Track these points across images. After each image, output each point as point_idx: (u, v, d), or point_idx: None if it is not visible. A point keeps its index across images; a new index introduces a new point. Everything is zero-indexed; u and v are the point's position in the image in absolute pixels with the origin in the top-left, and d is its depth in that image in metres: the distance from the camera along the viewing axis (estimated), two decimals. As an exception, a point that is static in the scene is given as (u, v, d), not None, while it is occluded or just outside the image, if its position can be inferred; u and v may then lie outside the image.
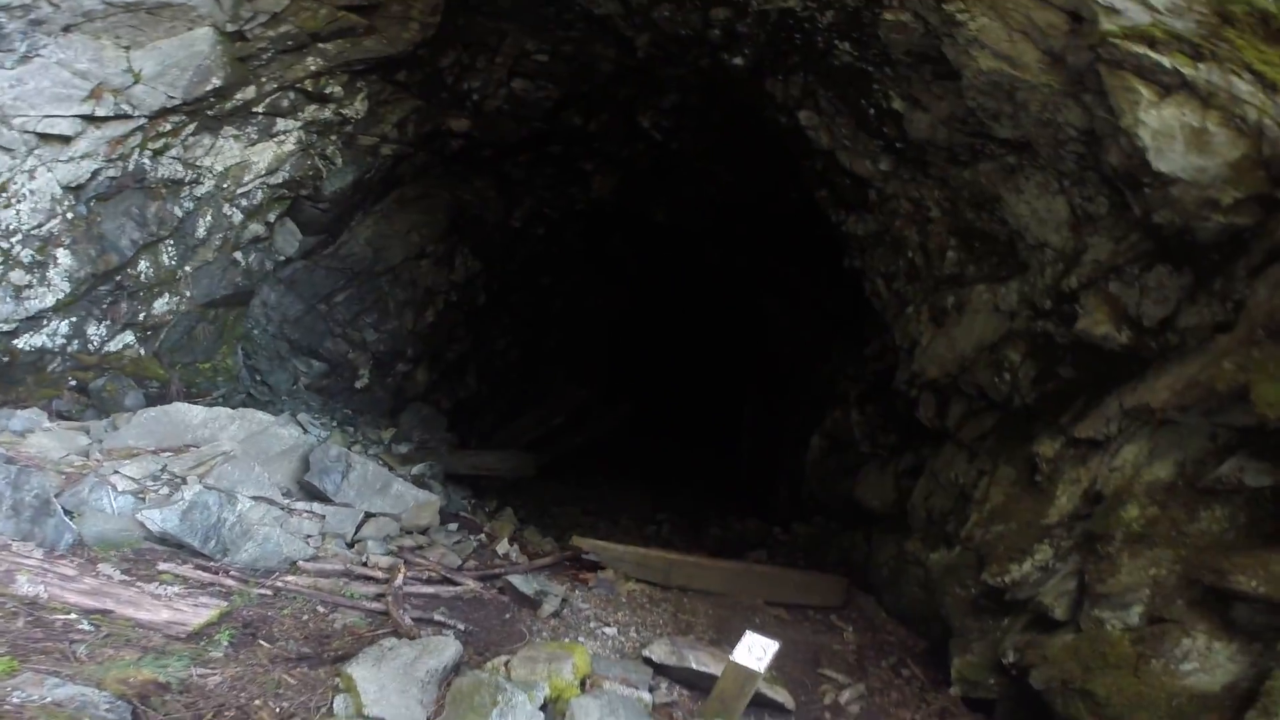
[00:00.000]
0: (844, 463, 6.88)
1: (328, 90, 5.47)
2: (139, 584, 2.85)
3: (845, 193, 5.62)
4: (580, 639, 3.49)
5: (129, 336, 5.04)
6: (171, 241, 5.14)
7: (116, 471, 3.33)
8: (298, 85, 5.27)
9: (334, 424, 5.95)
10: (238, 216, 5.44)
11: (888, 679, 3.86)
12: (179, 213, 5.05)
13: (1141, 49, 2.79)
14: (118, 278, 4.88)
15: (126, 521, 3.18)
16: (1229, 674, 2.55)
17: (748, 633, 2.73)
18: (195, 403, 5.28)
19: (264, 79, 5.09)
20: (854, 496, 5.91)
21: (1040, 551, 3.24)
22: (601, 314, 12.51)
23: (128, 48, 4.55)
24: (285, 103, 5.31)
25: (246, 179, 5.35)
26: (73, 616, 2.59)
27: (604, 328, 12.75)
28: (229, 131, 5.14)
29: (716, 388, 13.44)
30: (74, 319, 4.67)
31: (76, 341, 4.74)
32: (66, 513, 3.05)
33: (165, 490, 3.32)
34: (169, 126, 4.78)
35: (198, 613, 2.73)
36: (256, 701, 2.41)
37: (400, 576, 3.43)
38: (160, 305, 5.18)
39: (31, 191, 4.27)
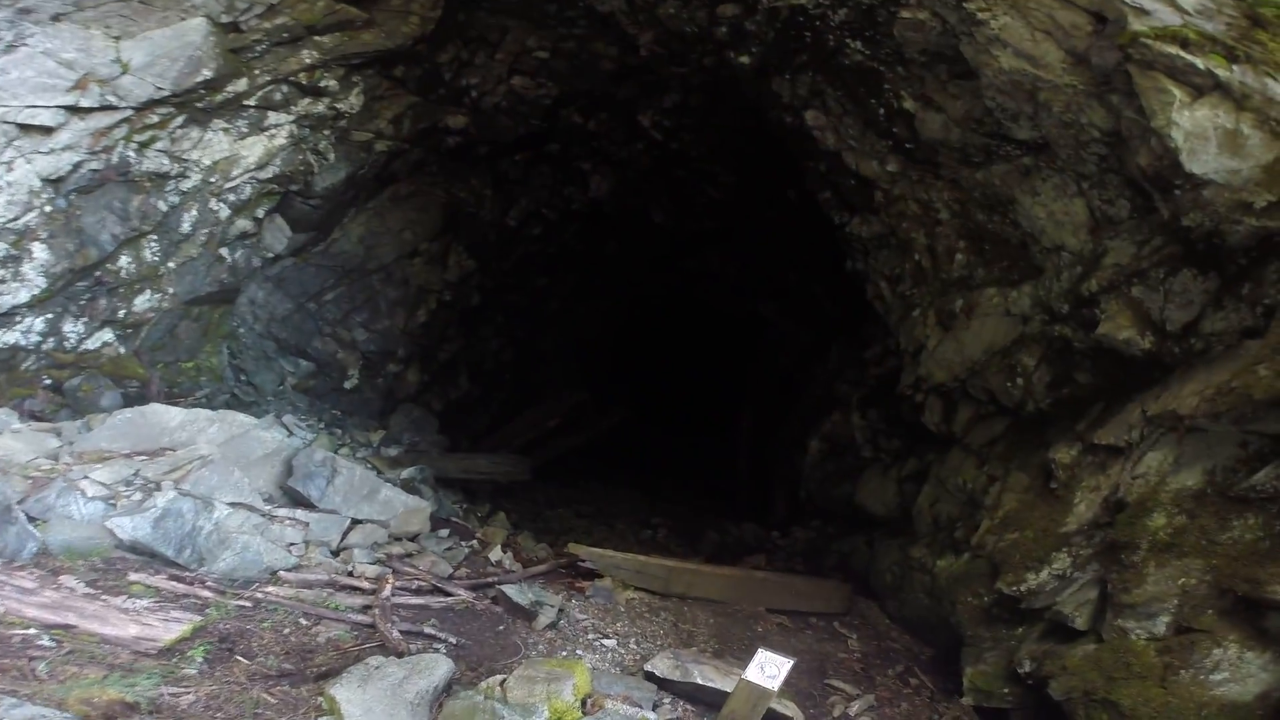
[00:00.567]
0: (843, 467, 6.78)
1: (322, 84, 5.31)
2: (104, 597, 2.68)
3: (850, 194, 5.52)
4: (579, 652, 3.34)
5: (108, 334, 4.85)
6: (155, 237, 4.96)
7: (86, 476, 3.15)
8: (291, 78, 5.12)
9: (321, 426, 5.77)
10: (225, 212, 5.26)
11: (896, 688, 3.75)
12: (163, 207, 4.87)
13: (1174, 49, 2.71)
14: (97, 273, 4.69)
15: (96, 529, 3.00)
16: (1262, 683, 2.47)
17: (760, 650, 2.60)
18: (176, 403, 5.09)
19: (257, 71, 4.93)
20: (854, 501, 5.80)
21: (1058, 560, 3.15)
22: (598, 316, 12.38)
23: (118, 38, 4.39)
24: (278, 96, 5.14)
25: (235, 173, 5.18)
26: (32, 632, 2.42)
27: (600, 330, 12.61)
28: (218, 124, 4.97)
29: (713, 391, 13.33)
30: (50, 315, 4.48)
31: (52, 339, 4.55)
32: (31, 519, 2.87)
33: (138, 496, 3.15)
34: (156, 118, 4.61)
35: (169, 627, 2.57)
36: (234, 724, 2.25)
37: (388, 587, 3.28)
38: (141, 302, 4.99)
39: (9, 184, 4.08)
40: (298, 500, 3.72)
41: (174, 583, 2.91)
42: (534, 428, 8.33)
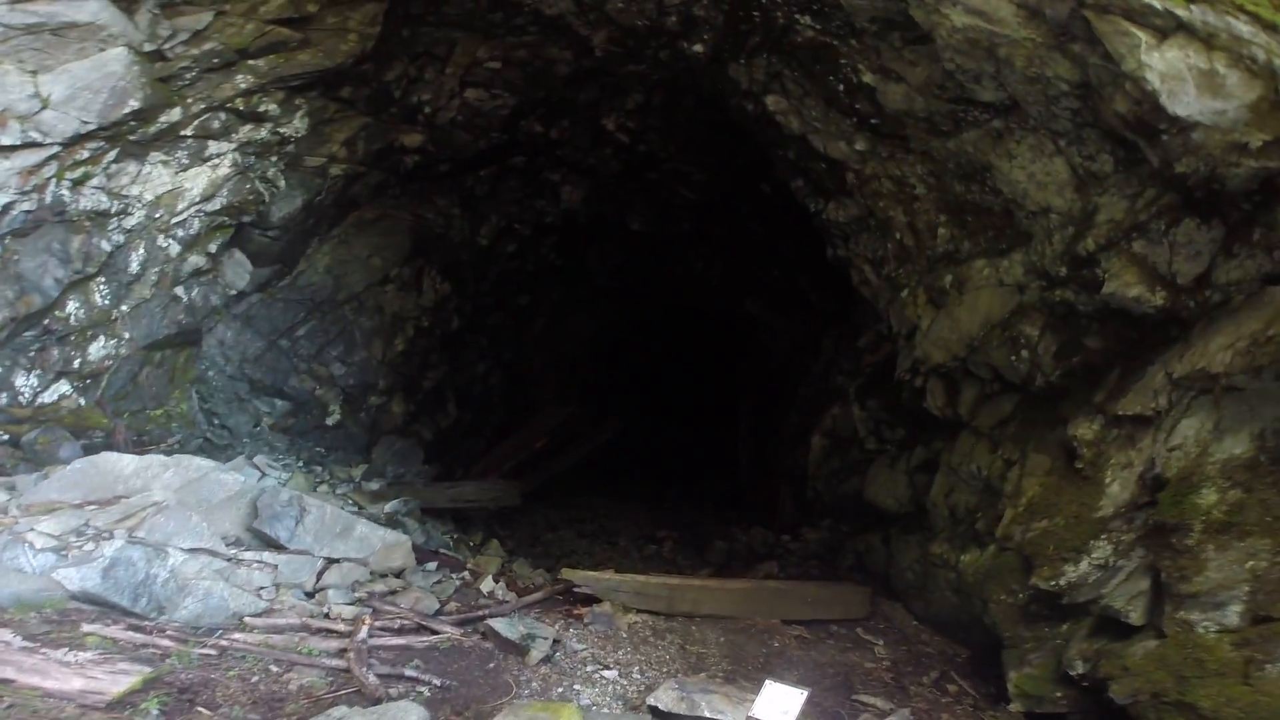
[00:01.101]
0: (848, 461, 6.55)
1: (262, 109, 5.13)
2: (44, 650, 2.47)
3: (822, 178, 5.36)
4: (576, 687, 3.09)
5: (64, 386, 4.61)
6: (103, 279, 4.74)
7: (33, 528, 2.95)
8: (228, 105, 4.94)
9: (300, 464, 5.53)
10: (175, 248, 5.04)
11: (933, 698, 3.45)
12: (107, 246, 4.65)
13: (1127, -9, 2.53)
14: (45, 321, 4.46)
15: (47, 581, 2.81)
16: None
17: (768, 682, 2.36)
18: (145, 452, 4.84)
19: (190, 100, 4.75)
20: (864, 497, 5.56)
21: (1097, 548, 2.89)
22: (585, 330, 12.19)
23: (34, 72, 4.20)
24: (216, 124, 4.96)
25: (181, 207, 4.97)
26: (-35, 689, 2.19)
27: (589, 344, 12.43)
28: (156, 157, 4.77)
29: (709, 394, 13.13)
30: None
31: (4, 394, 4.32)
32: (-25, 577, 2.64)
33: (90, 546, 2.93)
34: (87, 154, 4.41)
35: (116, 680, 2.35)
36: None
37: (364, 628, 3.03)
38: (96, 350, 4.75)
39: (-66, 232, 3.87)
40: (267, 543, 3.48)
41: (131, 633, 2.70)
42: (522, 449, 8.08)
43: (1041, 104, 3.28)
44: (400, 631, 3.23)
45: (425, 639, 3.20)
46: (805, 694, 2.35)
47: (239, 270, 6.09)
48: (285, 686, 2.63)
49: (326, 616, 3.15)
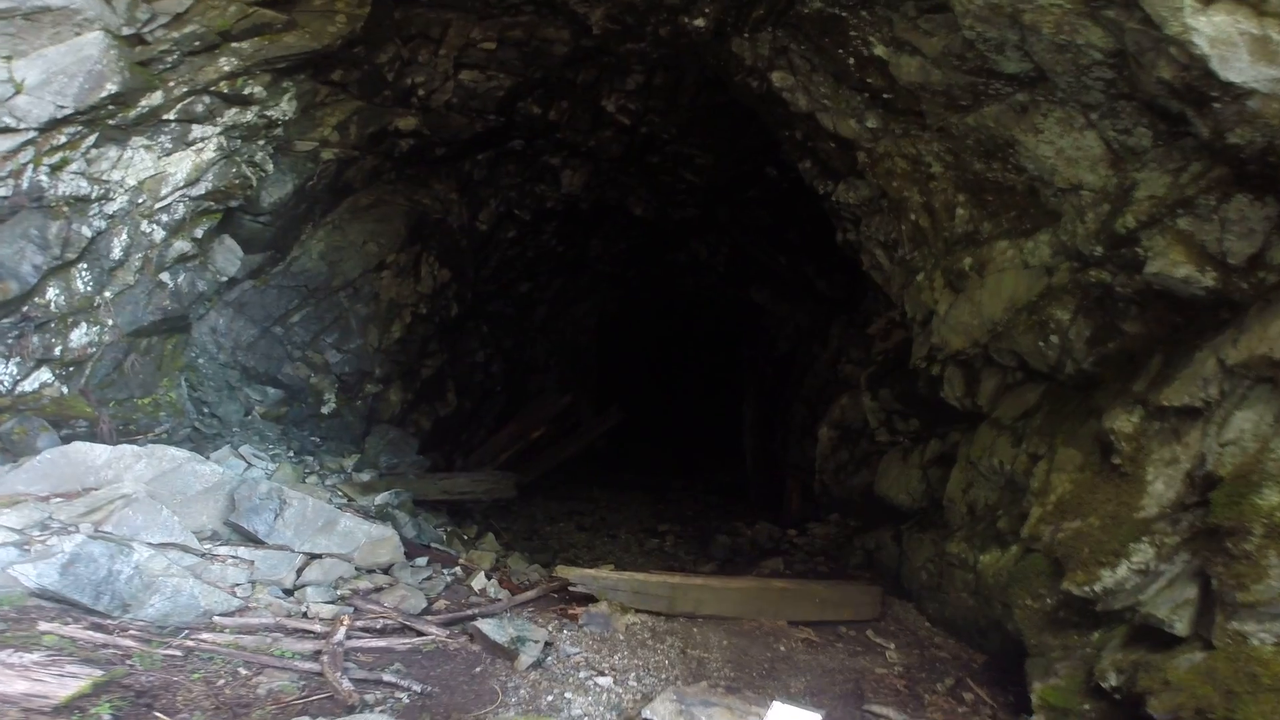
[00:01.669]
0: (857, 454, 6.35)
1: (247, 91, 4.93)
2: None
3: (831, 159, 5.11)
4: (567, 694, 2.92)
5: (45, 374, 4.46)
6: (85, 265, 4.58)
7: None
8: (212, 89, 4.76)
9: (290, 454, 5.38)
10: (159, 234, 4.88)
11: (949, 708, 3.25)
12: (88, 232, 4.49)
13: (1162, -50, 2.28)
14: (24, 308, 4.31)
15: (4, 578, 2.65)
16: None
17: (774, 702, 2.17)
18: (133, 442, 4.70)
19: (172, 83, 4.57)
20: (875, 491, 5.35)
21: (1138, 552, 2.66)
22: (588, 318, 12.01)
23: (8, 57, 4.05)
24: (200, 108, 4.78)
25: (164, 192, 4.80)
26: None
27: (592, 332, 12.25)
28: (138, 142, 4.60)
29: (714, 384, 12.94)
30: (-29, 360, 4.10)
31: (-20, 385, 4.17)
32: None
33: (53, 541, 2.78)
34: (64, 139, 4.25)
35: (64, 683, 2.21)
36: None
37: (342, 628, 2.88)
38: (79, 337, 4.60)
39: (-96, 218, 3.72)
40: (245, 537, 3.34)
41: (91, 632, 2.55)
42: (519, 439, 7.93)
43: (1071, 74, 3.03)
44: (382, 632, 3.08)
45: (408, 640, 3.05)
46: (820, 716, 2.16)
47: (230, 257, 5.93)
48: (253, 691, 2.49)
49: (304, 616, 3.00)
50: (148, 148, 4.63)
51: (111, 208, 4.58)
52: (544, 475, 8.39)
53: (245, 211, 5.75)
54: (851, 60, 4.18)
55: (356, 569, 3.59)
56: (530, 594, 4.03)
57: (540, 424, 8.15)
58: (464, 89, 6.33)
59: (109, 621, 2.64)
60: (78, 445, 3.42)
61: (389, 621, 3.17)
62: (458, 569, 4.32)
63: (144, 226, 4.79)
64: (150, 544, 2.86)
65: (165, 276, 5.04)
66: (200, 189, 4.96)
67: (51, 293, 4.43)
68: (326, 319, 7.06)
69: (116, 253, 4.68)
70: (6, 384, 4.25)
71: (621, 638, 3.61)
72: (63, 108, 4.10)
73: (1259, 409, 2.44)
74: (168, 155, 4.72)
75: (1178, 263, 2.75)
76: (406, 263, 7.71)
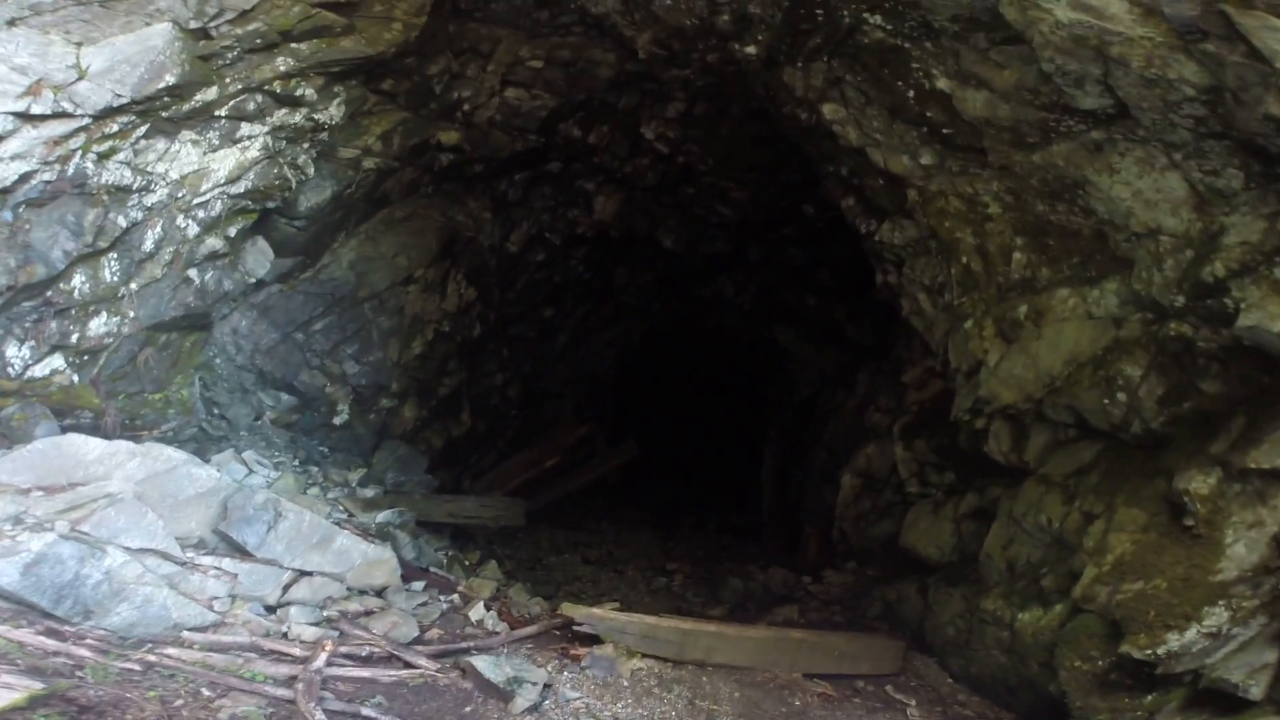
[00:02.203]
0: (880, 503, 6.07)
1: (299, 93, 4.97)
2: None
3: (878, 196, 4.97)
4: (566, 746, 2.65)
5: (58, 360, 4.38)
6: (115, 255, 4.55)
7: None
8: (266, 87, 4.80)
9: (295, 463, 5.22)
10: (193, 229, 4.85)
11: None
12: (123, 223, 4.46)
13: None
14: (47, 293, 4.26)
15: None
16: None
17: None
18: (137, 437, 4.59)
19: (228, 79, 4.62)
20: (901, 543, 5.06)
21: (1210, 615, 2.48)
22: (609, 348, 11.89)
23: (79, 44, 4.11)
24: (251, 106, 4.81)
25: (205, 188, 4.80)
26: None
27: (612, 363, 12.11)
28: (187, 136, 4.63)
29: (732, 423, 12.66)
30: (-12, 339, 4.04)
31: (-7, 366, 4.09)
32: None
33: (24, 537, 2.60)
34: (116, 128, 4.27)
35: None
36: None
37: (323, 654, 2.64)
38: (97, 326, 4.54)
39: (-59, 194, 3.71)
40: (234, 548, 3.14)
41: (44, 638, 2.35)
42: (532, 466, 7.70)
43: (1158, 111, 2.86)
44: (367, 660, 2.84)
45: (394, 672, 2.80)
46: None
47: (260, 258, 5.91)
48: (213, 715, 2.26)
49: (284, 637, 2.78)
50: (195, 142, 4.64)
51: (151, 199, 4.57)
52: (552, 504, 8.14)
53: (281, 214, 5.75)
54: (911, 93, 4.06)
55: (348, 590, 3.37)
56: (530, 629, 3.76)
57: (555, 453, 7.94)
58: (508, 106, 6.37)
59: (66, 628, 2.45)
60: (71, 437, 3.28)
61: (376, 649, 2.93)
62: (456, 596, 4.07)
63: (179, 221, 4.77)
64: (127, 548, 2.68)
65: (193, 273, 5.00)
66: (240, 187, 4.96)
67: (77, 279, 4.39)
68: (349, 329, 6.99)
69: (148, 245, 4.65)
70: (17, 368, 4.17)
71: (626, 684, 3.33)
72: (120, 96, 4.13)
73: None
74: (213, 151, 4.73)
75: (1276, 315, 2.52)
76: (434, 279, 7.67)
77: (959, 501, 4.55)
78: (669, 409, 13.64)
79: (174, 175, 4.66)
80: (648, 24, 5.24)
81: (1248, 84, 2.47)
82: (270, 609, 2.97)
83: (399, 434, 7.36)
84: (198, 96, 4.50)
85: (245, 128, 4.85)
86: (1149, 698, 2.64)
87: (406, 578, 3.86)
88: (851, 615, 5.38)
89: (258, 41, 4.60)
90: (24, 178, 3.99)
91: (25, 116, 3.94)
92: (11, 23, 3.94)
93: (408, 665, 2.90)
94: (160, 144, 4.53)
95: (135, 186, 4.49)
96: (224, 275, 5.33)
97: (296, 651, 2.68)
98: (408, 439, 7.35)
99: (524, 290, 8.98)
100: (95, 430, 4.33)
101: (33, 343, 4.23)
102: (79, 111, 4.08)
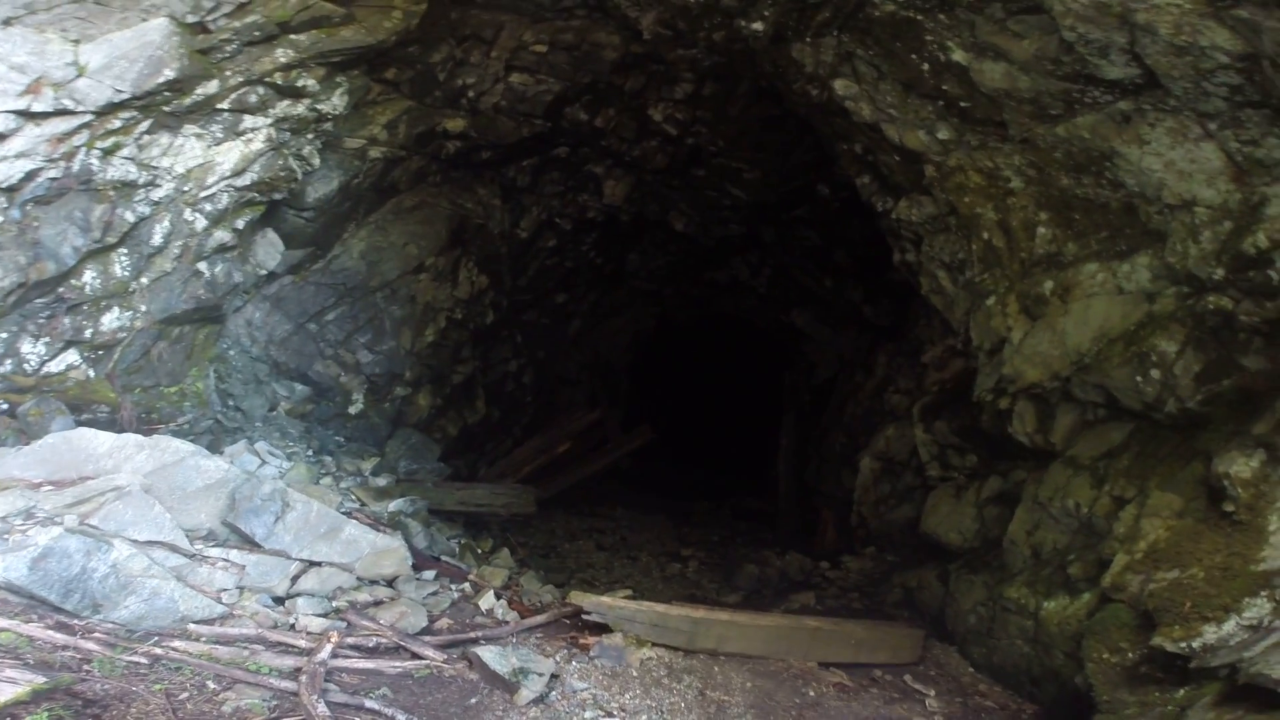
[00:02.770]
0: (899, 487, 5.95)
1: (300, 84, 4.93)
2: None
3: (894, 173, 4.80)
4: (572, 738, 2.63)
5: (73, 355, 4.44)
6: (125, 250, 4.57)
7: None
8: (266, 79, 4.77)
9: (309, 453, 5.26)
10: (201, 223, 4.86)
11: None
12: (131, 218, 4.48)
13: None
14: (59, 289, 4.31)
15: None
16: None
17: None
18: (154, 431, 4.64)
19: (229, 72, 4.60)
20: (921, 528, 4.95)
21: (1251, 607, 2.35)
22: (622, 333, 11.82)
23: (76, 41, 4.11)
24: (253, 98, 4.78)
25: (210, 181, 4.79)
26: None
27: (625, 349, 12.05)
28: (190, 130, 4.62)
29: (748, 407, 12.56)
30: (4, 335, 4.10)
31: (10, 361, 4.16)
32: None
33: (34, 531, 2.64)
34: (119, 123, 4.27)
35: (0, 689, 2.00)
36: None
37: (328, 645, 2.64)
38: (110, 320, 4.59)
39: (-49, 193, 3.74)
40: (242, 539, 3.15)
41: (54, 632, 2.38)
42: (543, 453, 7.70)
43: (1189, 80, 2.69)
44: (373, 652, 2.84)
45: (400, 663, 2.79)
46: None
47: (270, 250, 5.92)
48: (217, 708, 2.27)
49: (291, 628, 2.78)
50: (199, 136, 4.64)
51: (157, 194, 4.58)
52: (567, 490, 8.14)
53: (289, 206, 5.74)
54: (925, 66, 3.89)
55: (358, 580, 3.37)
56: (540, 618, 3.75)
57: (566, 438, 7.92)
58: (513, 91, 6.27)
59: (75, 622, 2.47)
60: (82, 431, 3.31)
61: (383, 640, 2.93)
62: (467, 585, 4.07)
63: (187, 214, 4.78)
64: (135, 541, 2.70)
65: (203, 266, 5.02)
66: (246, 180, 4.95)
67: (88, 275, 4.42)
68: (361, 319, 7.00)
69: (157, 239, 4.67)
70: (33, 363, 4.23)
71: (635, 674, 3.30)
72: (120, 92, 4.12)
73: None
74: (217, 144, 4.72)
75: (1324, 287, 2.37)
76: (445, 267, 7.64)
77: (981, 485, 4.43)
78: (684, 393, 13.57)
79: (179, 169, 4.66)
80: (652, 4, 5.09)
81: (1290, 44, 2.29)
82: (278, 600, 2.99)
83: (414, 422, 7.39)
84: (198, 90, 4.49)
85: (248, 120, 4.82)
86: (1181, 692, 2.54)
87: (418, 566, 3.87)
88: (870, 602, 5.30)
89: (256, 34, 4.57)
90: (30, 175, 4.01)
91: (27, 115, 3.95)
92: (7, 22, 3.95)
93: (414, 656, 2.90)
94: (164, 138, 4.52)
95: (141, 181, 4.50)
96: (234, 267, 5.34)
97: (302, 643, 2.69)
98: (423, 427, 7.39)
99: (536, 276, 8.93)
100: (112, 425, 4.39)
101: (47, 339, 4.28)
102: (80, 108, 4.08)
